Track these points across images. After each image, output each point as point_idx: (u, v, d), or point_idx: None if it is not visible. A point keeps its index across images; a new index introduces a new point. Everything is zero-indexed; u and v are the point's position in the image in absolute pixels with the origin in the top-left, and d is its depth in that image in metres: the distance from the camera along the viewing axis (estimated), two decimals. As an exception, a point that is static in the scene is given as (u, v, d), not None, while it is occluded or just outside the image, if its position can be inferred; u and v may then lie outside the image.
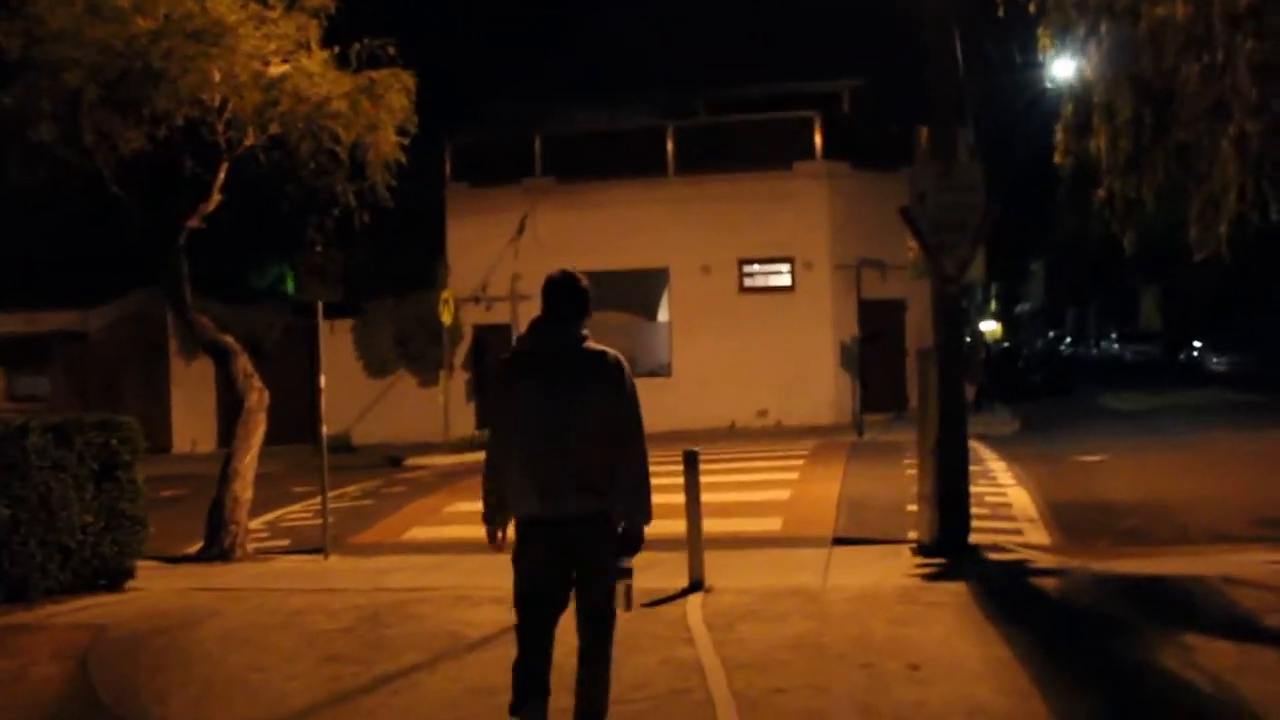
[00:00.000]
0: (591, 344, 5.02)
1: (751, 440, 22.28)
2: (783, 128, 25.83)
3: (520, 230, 26.32)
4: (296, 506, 16.00)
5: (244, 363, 12.90)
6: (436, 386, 24.73)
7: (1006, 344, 51.76)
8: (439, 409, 23.15)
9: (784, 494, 13.96)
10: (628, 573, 5.02)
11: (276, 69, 12.36)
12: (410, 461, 22.50)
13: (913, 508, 11.28)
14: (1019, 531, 11.45)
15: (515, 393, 4.95)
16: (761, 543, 11.24)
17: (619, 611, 5.03)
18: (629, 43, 27.81)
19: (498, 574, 9.94)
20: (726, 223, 25.42)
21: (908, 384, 25.67)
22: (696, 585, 8.84)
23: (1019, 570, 9.25)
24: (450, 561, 10.95)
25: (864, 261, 24.63)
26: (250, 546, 12.15)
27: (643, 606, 8.07)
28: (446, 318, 22.84)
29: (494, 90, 27.72)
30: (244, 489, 12.18)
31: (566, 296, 5.02)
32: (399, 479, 19.12)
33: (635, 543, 5.01)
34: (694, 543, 9.00)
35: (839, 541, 11.08)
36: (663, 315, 26.64)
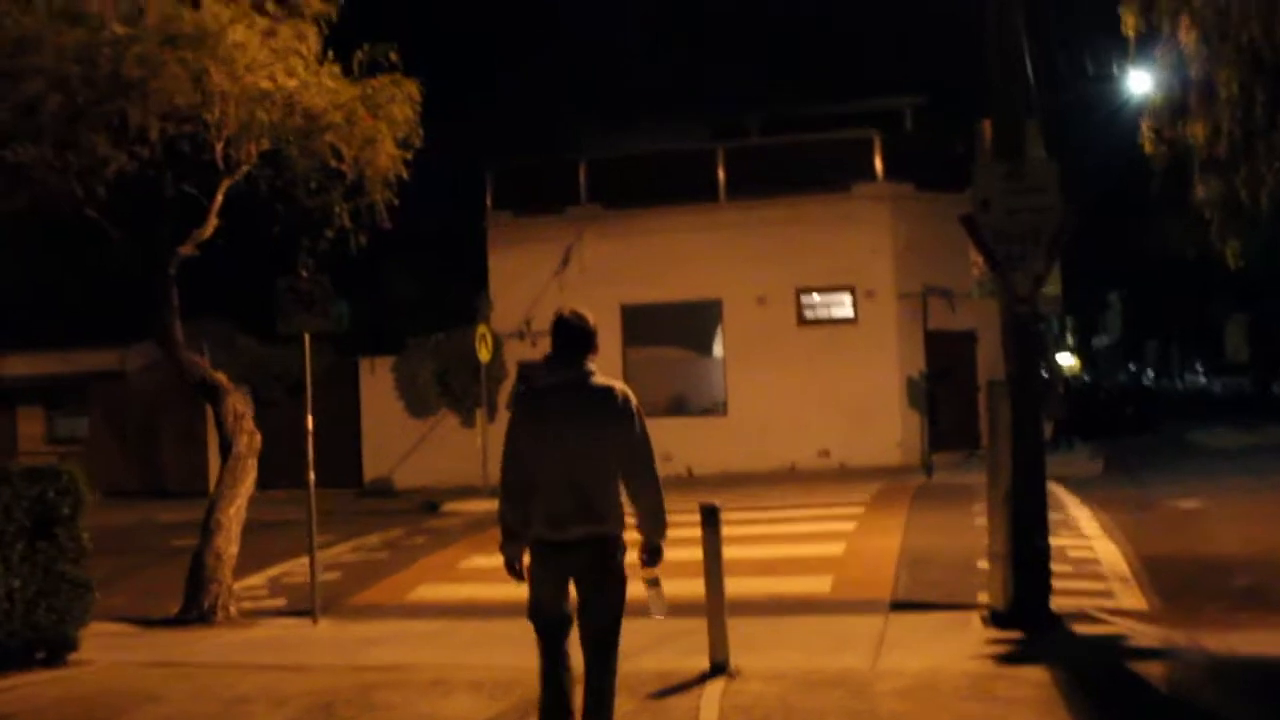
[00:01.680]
0: (599, 379, 5.31)
1: (812, 483, 20.68)
2: (841, 148, 24.28)
3: (565, 261, 25.04)
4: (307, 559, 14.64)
5: (235, 402, 11.64)
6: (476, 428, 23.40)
7: (1087, 377, 49.52)
8: (478, 451, 21.78)
9: (837, 548, 12.36)
10: (656, 581, 5.44)
11: (264, 77, 11.13)
12: (447, 507, 21.17)
13: (984, 564, 9.67)
14: (1109, 594, 9.79)
15: (528, 426, 5.27)
16: (807, 607, 9.70)
17: (653, 616, 5.45)
18: (678, 62, 26.56)
19: (488, 648, 8.69)
20: (783, 250, 23.91)
21: (980, 421, 24.05)
22: (718, 669, 7.32)
23: (1114, 650, 7.62)
24: (446, 630, 9.56)
25: (930, 290, 23.00)
26: (234, 608, 10.80)
27: (650, 696, 6.60)
28: (484, 354, 21.52)
29: (537, 114, 26.55)
30: (227, 543, 10.86)
31: (574, 335, 5.33)
32: (425, 527, 17.76)
33: (656, 555, 5.37)
34: (715, 617, 7.50)
35: (897, 606, 9.51)
36: (716, 350, 25.13)
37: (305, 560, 14.57)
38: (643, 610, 5.47)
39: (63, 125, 10.74)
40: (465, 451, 23.26)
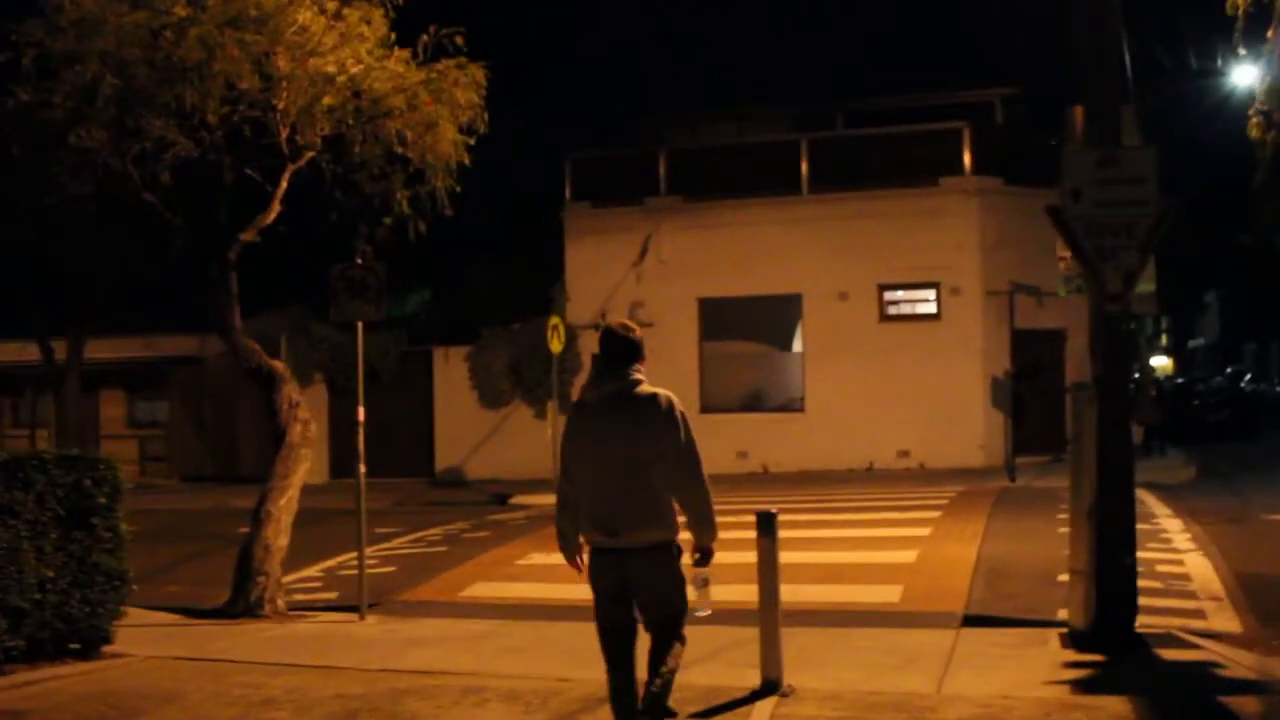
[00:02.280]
0: (645, 387, 5.36)
1: (890, 484, 20.07)
2: (929, 140, 23.53)
3: (643, 253, 24.66)
4: (366, 551, 14.40)
5: (290, 391, 11.39)
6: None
7: (1180, 379, 47.92)
8: (549, 443, 21.44)
9: (910, 555, 11.79)
10: (705, 581, 5.50)
11: (330, 62, 10.85)
12: (516, 500, 20.94)
13: (1064, 577, 9.08)
14: (1201, 614, 9.14)
15: (579, 434, 5.42)
16: (874, 618, 9.18)
17: (701, 614, 5.51)
18: (760, 51, 26.00)
19: (532, 655, 8.34)
20: (866, 245, 23.31)
21: (1066, 423, 23.23)
22: (770, 687, 6.82)
23: (1205, 679, 7.01)
24: (492, 632, 9.19)
25: (1018, 287, 22.22)
26: (282, 601, 10.54)
27: (693, 717, 6.15)
28: (556, 345, 21.17)
29: (617, 104, 26.15)
30: (277, 535, 10.61)
31: (619, 346, 5.42)
32: (490, 521, 17.48)
33: (707, 557, 5.44)
34: (768, 632, 6.99)
35: (970, 621, 8.95)
36: (795, 345, 24.55)
37: (369, 550, 14.42)
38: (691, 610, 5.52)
39: (122, 108, 10.58)
40: (537, 443, 22.95)
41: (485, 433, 25.82)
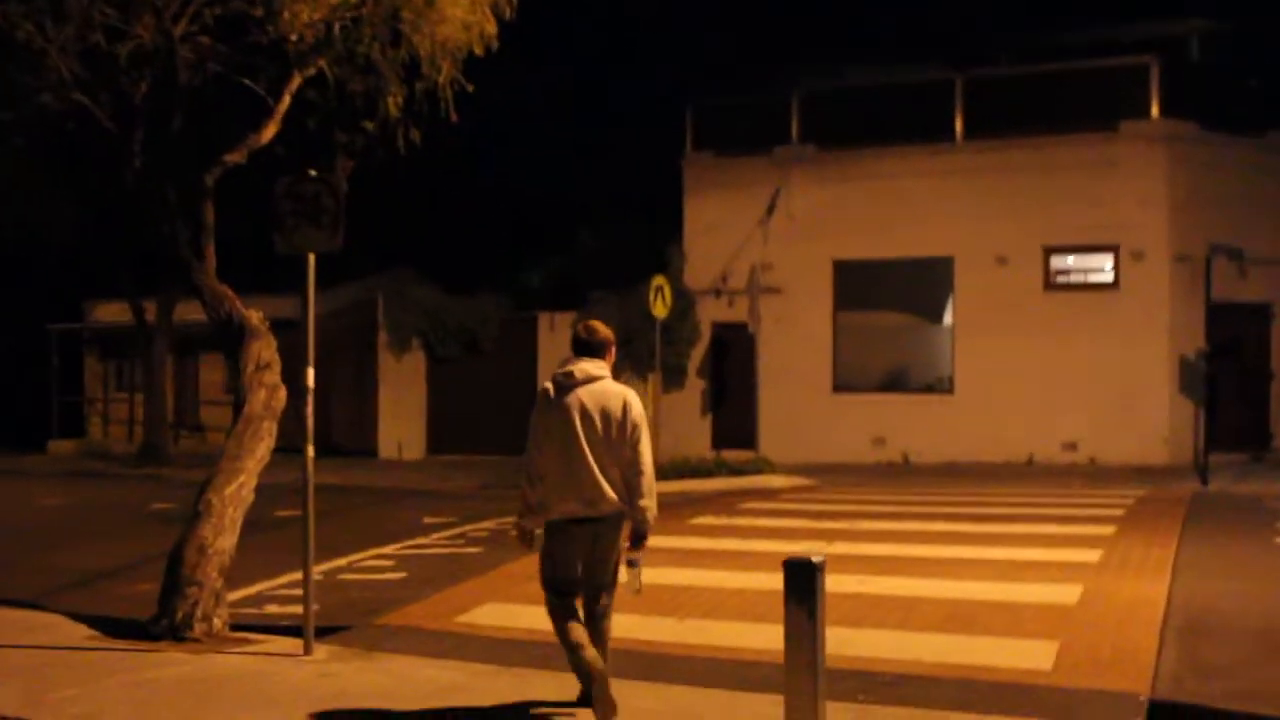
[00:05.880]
0: (607, 382, 6.04)
1: (1052, 482, 16.83)
2: (1107, 78, 20.06)
3: (770, 209, 21.78)
4: (392, 548, 11.97)
5: (260, 349, 8.89)
6: (665, 393, 20.32)
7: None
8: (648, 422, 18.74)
9: (1072, 592, 8.66)
10: (635, 563, 5.99)
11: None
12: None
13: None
14: None
15: (550, 417, 6.00)
16: (1010, 697, 6.21)
17: (631, 596, 6.08)
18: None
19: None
20: (1030, 201, 20.07)
21: (1271, 415, 19.64)
22: None
23: None
24: (459, 685, 6.58)
25: (1216, 250, 18.60)
26: (221, 619, 7.96)
27: None
28: (660, 310, 18.43)
29: (744, 44, 23.19)
30: (217, 533, 8.08)
31: (588, 343, 6.11)
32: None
33: (642, 538, 6.01)
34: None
35: (1159, 713, 5.93)
36: (945, 317, 21.33)
37: (389, 548, 11.98)
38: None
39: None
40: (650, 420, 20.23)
41: (592, 408, 23.27)
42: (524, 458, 6.02)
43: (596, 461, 5.85)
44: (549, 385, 6.00)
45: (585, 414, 5.89)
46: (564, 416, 5.89)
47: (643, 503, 5.90)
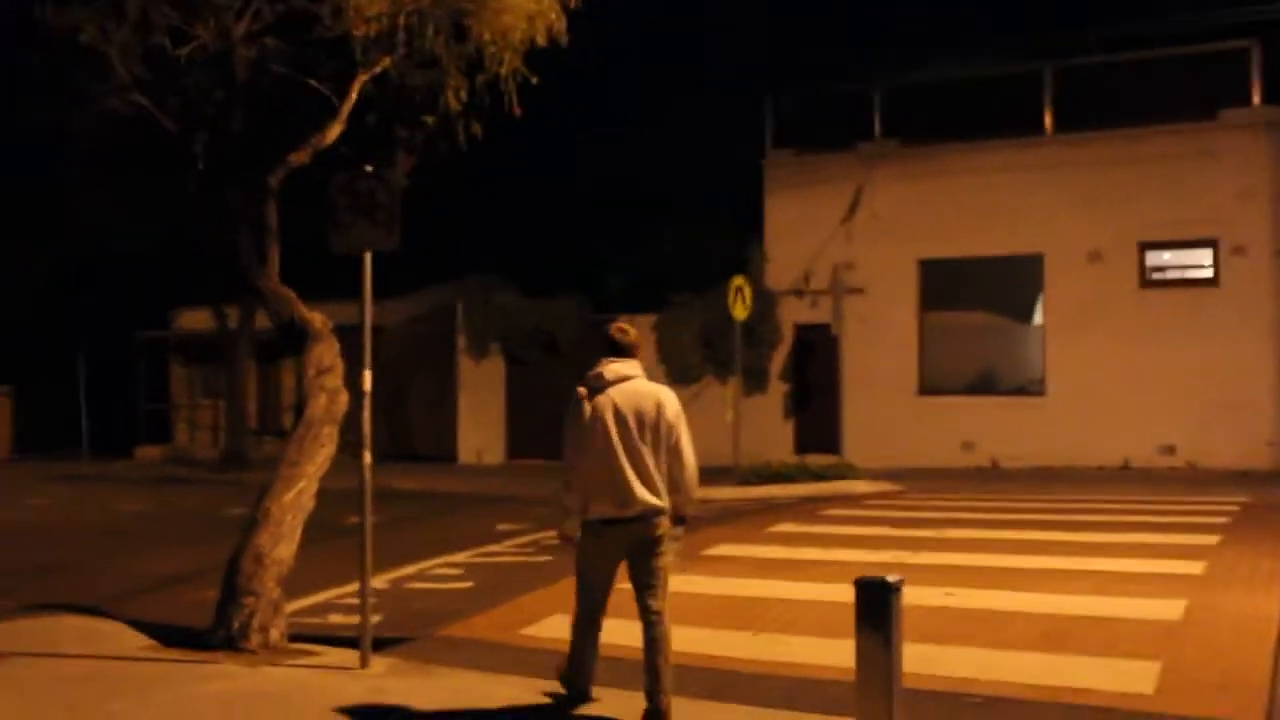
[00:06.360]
0: (640, 380, 6.09)
1: (1150, 488, 16.10)
2: (1205, 64, 19.30)
3: (853, 207, 21.27)
4: (462, 555, 11.72)
5: (323, 351, 8.69)
6: (746, 397, 19.89)
7: None
8: (727, 426, 18.34)
9: (1175, 606, 8.12)
10: (677, 538, 6.15)
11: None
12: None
13: None
14: None
15: (583, 419, 6.01)
16: (1110, 723, 5.73)
17: (674, 572, 6.15)
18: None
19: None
20: (1123, 194, 19.36)
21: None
22: None
23: None
24: (523, 700, 6.22)
25: (1322, 244, 17.74)
26: (277, 630, 7.74)
27: None
28: (740, 311, 18.05)
29: (826, 37, 22.67)
30: (275, 542, 7.87)
31: (617, 344, 6.16)
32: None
33: (682, 521, 6.14)
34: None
35: (1275, 742, 5.43)
36: (1035, 316, 20.64)
37: (460, 556, 11.72)
38: None
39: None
40: (725, 425, 19.84)
41: (673, 411, 22.89)
42: (562, 462, 6.07)
43: (629, 461, 5.88)
44: (582, 389, 6.03)
45: (618, 414, 5.92)
46: (596, 417, 5.92)
47: (684, 489, 6.01)
